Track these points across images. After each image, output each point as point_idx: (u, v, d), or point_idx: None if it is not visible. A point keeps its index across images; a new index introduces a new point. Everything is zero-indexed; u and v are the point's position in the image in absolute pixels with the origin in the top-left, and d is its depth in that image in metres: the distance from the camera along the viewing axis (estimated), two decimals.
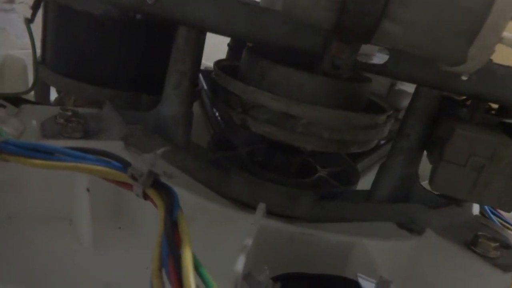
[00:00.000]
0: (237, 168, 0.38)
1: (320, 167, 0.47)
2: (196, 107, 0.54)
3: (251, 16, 0.30)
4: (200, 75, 0.57)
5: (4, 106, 0.31)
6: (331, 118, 0.34)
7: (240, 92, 0.35)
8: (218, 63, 0.43)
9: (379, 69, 0.30)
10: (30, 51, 0.52)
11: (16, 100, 0.36)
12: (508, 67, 0.28)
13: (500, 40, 0.24)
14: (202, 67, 0.51)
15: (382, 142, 0.55)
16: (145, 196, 0.23)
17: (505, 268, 0.28)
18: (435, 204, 0.34)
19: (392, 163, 0.35)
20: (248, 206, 0.36)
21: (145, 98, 0.41)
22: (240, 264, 0.23)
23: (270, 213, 0.35)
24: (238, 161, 0.44)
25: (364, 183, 0.44)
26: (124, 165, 0.23)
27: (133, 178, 0.22)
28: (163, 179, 0.23)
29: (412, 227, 0.32)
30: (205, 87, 0.57)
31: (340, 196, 0.39)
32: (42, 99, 0.44)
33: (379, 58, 0.33)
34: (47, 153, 0.23)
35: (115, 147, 0.33)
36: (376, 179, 0.36)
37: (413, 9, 0.22)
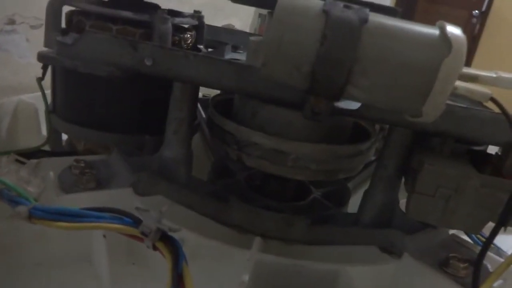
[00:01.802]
0: (236, 196, 0.42)
1: (315, 187, 0.51)
2: (196, 137, 0.58)
3: (237, 73, 0.34)
4: (199, 106, 0.60)
5: (23, 163, 0.35)
6: (317, 152, 0.38)
7: (234, 131, 0.39)
8: (213, 99, 0.47)
9: (354, 113, 0.34)
10: (39, 94, 0.57)
11: (35, 152, 0.40)
12: (466, 108, 0.32)
13: (455, 89, 0.28)
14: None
15: (373, 158, 0.59)
16: (155, 248, 0.27)
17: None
18: (414, 227, 0.37)
19: (374, 191, 0.39)
20: (248, 232, 0.40)
21: (148, 139, 0.45)
22: None
23: (268, 237, 0.39)
24: (237, 188, 0.48)
25: (357, 199, 0.48)
26: (135, 221, 0.28)
27: (144, 234, 0.26)
28: (170, 233, 0.27)
29: (392, 251, 0.36)
30: (204, 116, 0.61)
31: (331, 220, 0.42)
32: (55, 143, 0.48)
33: None
34: (70, 216, 0.28)
35: (125, 194, 0.37)
36: (360, 205, 0.40)
37: (372, 77, 0.26)
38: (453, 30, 0.25)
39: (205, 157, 0.58)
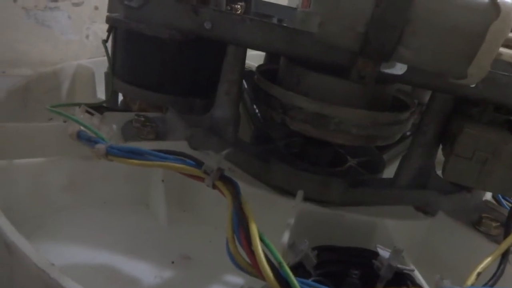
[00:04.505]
0: (277, 159, 0.45)
1: (351, 157, 0.53)
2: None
3: (289, 37, 0.37)
4: None
5: (92, 114, 0.39)
6: (359, 117, 0.40)
7: (280, 96, 0.42)
8: (259, 67, 0.50)
9: (398, 79, 0.36)
10: (96, 59, 0.61)
11: (99, 107, 0.44)
12: (509, 75, 0.33)
13: (500, 56, 0.30)
14: None
15: (408, 133, 0.60)
16: (214, 187, 0.30)
17: None
18: (449, 191, 0.39)
19: (412, 155, 0.41)
20: (287, 192, 0.43)
21: (199, 102, 0.48)
22: (286, 237, 0.31)
23: (306, 198, 0.42)
24: (277, 153, 0.51)
25: (391, 171, 0.50)
26: (197, 163, 0.31)
27: (206, 173, 0.30)
28: (227, 173, 0.30)
29: (427, 210, 0.38)
30: (246, 86, 0.64)
31: (367, 183, 0.45)
32: (113, 103, 0.52)
33: (400, 66, 0.38)
34: (140, 155, 0.31)
35: (182, 146, 0.41)
36: (398, 169, 0.42)
37: (422, 38, 0.28)
38: None
39: (246, 125, 0.61)
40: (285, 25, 0.63)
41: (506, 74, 0.34)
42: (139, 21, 0.40)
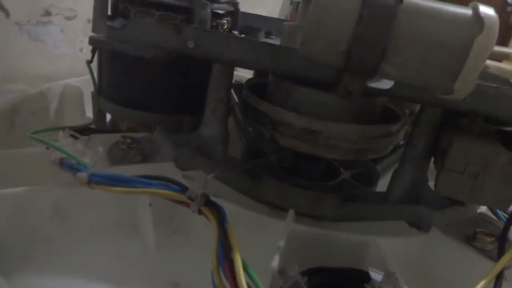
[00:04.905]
0: (268, 174, 0.44)
1: (344, 169, 0.53)
2: (229, 119, 0.60)
3: (274, 54, 0.36)
4: (232, 90, 0.63)
5: (77, 138, 0.39)
6: (347, 131, 0.39)
7: (269, 111, 0.41)
8: (248, 81, 0.50)
9: (386, 93, 0.35)
10: (84, 78, 0.61)
11: (85, 129, 0.44)
12: (497, 87, 0.33)
13: (486, 69, 0.29)
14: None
15: (401, 142, 0.60)
16: (200, 212, 0.29)
17: None
18: (442, 204, 0.39)
19: (403, 169, 0.40)
20: (279, 208, 0.42)
21: (187, 120, 0.48)
22: (275, 262, 0.30)
23: (299, 213, 0.41)
24: (269, 167, 0.50)
25: (385, 181, 0.49)
26: (182, 188, 0.30)
27: (190, 199, 0.29)
28: (213, 198, 0.29)
29: (421, 226, 0.37)
30: (236, 100, 0.63)
31: (360, 198, 0.44)
32: (100, 122, 0.52)
33: (387, 80, 0.38)
34: (123, 181, 0.31)
35: (168, 168, 0.40)
36: (390, 183, 0.41)
37: (405, 55, 0.27)
38: (486, 10, 0.26)
39: (237, 139, 0.61)
40: (272, 38, 0.63)
41: (494, 85, 0.33)
42: (122, 41, 0.39)
